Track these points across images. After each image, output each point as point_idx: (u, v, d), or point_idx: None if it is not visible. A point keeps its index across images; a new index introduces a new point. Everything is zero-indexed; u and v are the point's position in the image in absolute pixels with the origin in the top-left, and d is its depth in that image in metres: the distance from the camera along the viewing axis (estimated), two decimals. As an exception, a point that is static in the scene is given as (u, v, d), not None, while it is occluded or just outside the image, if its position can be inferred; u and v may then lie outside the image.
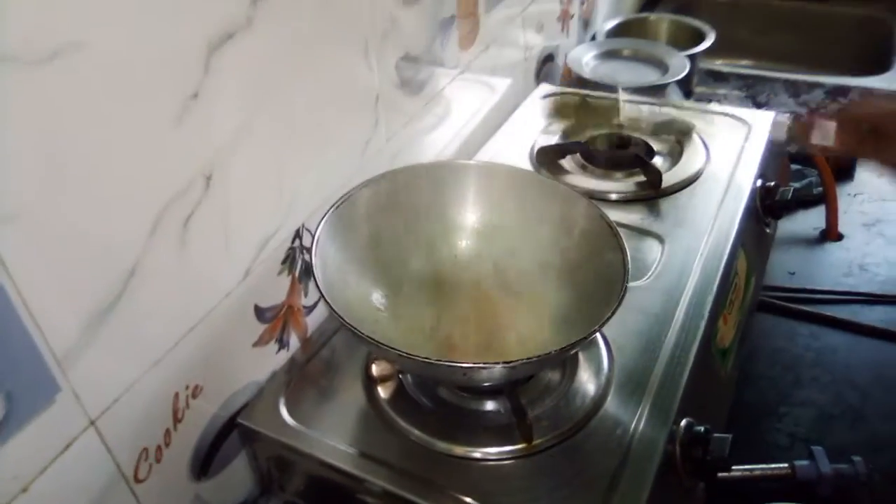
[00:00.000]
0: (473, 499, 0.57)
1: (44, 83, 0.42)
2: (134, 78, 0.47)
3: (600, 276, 0.63)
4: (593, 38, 1.42)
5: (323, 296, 0.57)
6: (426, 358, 0.53)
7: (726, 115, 1.02)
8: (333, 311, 0.55)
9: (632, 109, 1.04)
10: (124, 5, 0.45)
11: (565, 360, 0.67)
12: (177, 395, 0.58)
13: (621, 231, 0.64)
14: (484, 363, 0.53)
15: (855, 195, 1.11)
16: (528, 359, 0.53)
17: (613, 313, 0.56)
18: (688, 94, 1.28)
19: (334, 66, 0.68)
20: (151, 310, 0.53)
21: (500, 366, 0.53)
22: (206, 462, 0.63)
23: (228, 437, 0.65)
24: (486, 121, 1.02)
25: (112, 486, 0.54)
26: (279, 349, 0.69)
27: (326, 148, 0.70)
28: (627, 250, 0.61)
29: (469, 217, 0.71)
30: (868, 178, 1.15)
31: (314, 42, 0.64)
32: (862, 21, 1.67)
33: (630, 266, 0.60)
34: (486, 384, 0.63)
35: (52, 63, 0.42)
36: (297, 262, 0.69)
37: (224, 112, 0.55)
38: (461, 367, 0.53)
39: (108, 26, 0.45)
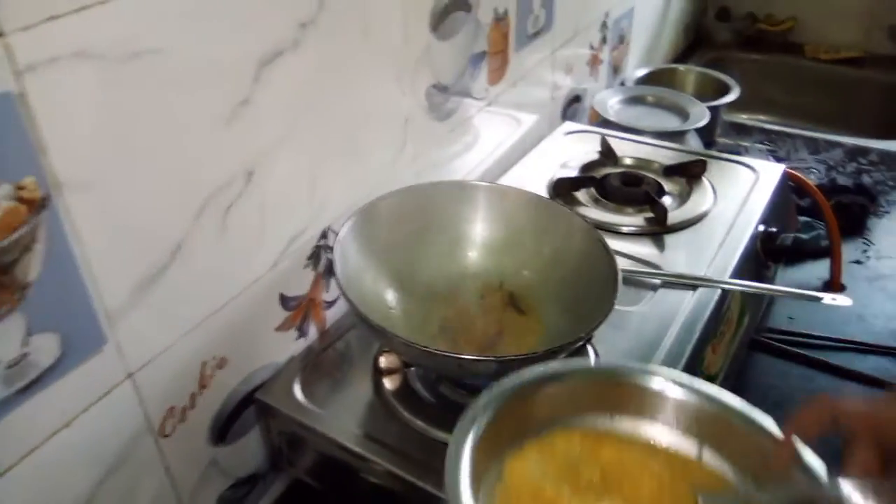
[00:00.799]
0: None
1: (123, 78, 0.50)
2: (195, 82, 0.56)
3: (593, 293, 0.69)
4: (622, 83, 1.50)
5: (340, 286, 0.64)
6: (426, 347, 0.60)
7: (739, 163, 1.07)
8: (348, 299, 0.62)
9: (649, 151, 1.10)
10: (193, 22, 0.54)
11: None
12: (204, 363, 0.65)
13: (626, 260, 0.69)
14: (478, 356, 0.59)
15: (864, 251, 1.15)
16: (516, 356, 0.59)
17: (599, 324, 0.62)
18: (709, 143, 1.34)
19: (369, 88, 0.76)
20: (190, 284, 0.61)
21: (492, 360, 0.59)
22: (224, 429, 0.70)
23: (245, 410, 0.72)
24: (510, 151, 1.10)
25: (140, 435, 0.61)
26: (298, 336, 0.76)
27: (357, 160, 0.77)
28: (619, 269, 0.67)
29: (479, 232, 0.78)
30: (880, 235, 1.18)
31: (352, 65, 0.72)
32: (889, 87, 1.72)
33: (621, 283, 0.66)
34: (482, 381, 0.69)
35: (132, 63, 0.50)
36: (321, 259, 0.76)
37: (268, 119, 0.63)
38: (458, 357, 0.59)
39: (178, 38, 0.53)
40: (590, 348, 0.74)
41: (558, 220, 0.75)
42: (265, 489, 0.78)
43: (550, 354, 0.62)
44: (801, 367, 0.95)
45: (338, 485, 0.74)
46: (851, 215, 1.19)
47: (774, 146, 1.45)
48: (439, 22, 0.82)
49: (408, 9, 0.76)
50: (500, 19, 0.95)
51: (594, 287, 0.69)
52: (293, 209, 0.70)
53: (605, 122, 1.23)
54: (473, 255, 0.77)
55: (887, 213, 1.24)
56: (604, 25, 1.32)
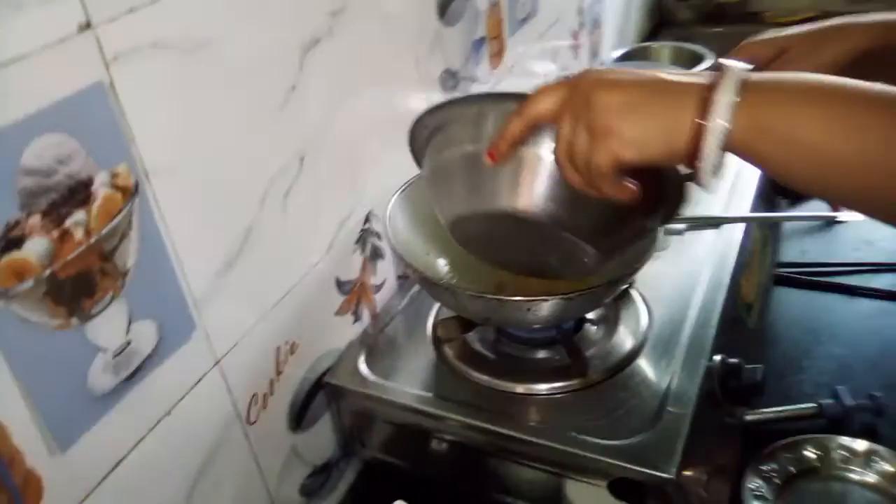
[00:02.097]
0: (540, 423, 0.66)
1: (192, 68, 0.53)
2: (251, 70, 0.58)
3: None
4: (601, 64, 1.55)
5: (402, 256, 0.66)
6: (497, 296, 0.63)
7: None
8: (412, 266, 0.65)
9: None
10: (242, 12, 0.57)
11: (608, 314, 0.76)
12: (278, 348, 0.67)
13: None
14: (545, 296, 0.62)
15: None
16: (582, 290, 0.63)
17: (648, 258, 0.65)
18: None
19: (393, 74, 0.79)
20: (261, 268, 0.63)
21: (559, 298, 0.62)
22: (300, 415, 0.72)
23: (316, 396, 0.74)
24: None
25: (230, 423, 0.63)
26: (354, 321, 0.79)
27: (387, 144, 0.80)
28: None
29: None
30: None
31: (377, 52, 0.75)
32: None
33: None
34: (542, 333, 0.72)
35: (198, 53, 0.53)
36: (367, 243, 0.79)
37: (314, 104, 0.66)
38: (526, 300, 0.62)
39: (232, 28, 0.56)
40: (634, 292, 0.78)
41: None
42: (340, 476, 0.80)
43: (611, 287, 0.65)
44: (822, 294, 1.00)
45: (411, 454, 0.76)
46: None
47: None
48: (445, 9, 0.86)
49: (418, -3, 0.80)
50: (494, 5, 0.99)
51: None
52: (340, 193, 0.73)
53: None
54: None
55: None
56: (580, 10, 1.37)
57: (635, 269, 0.65)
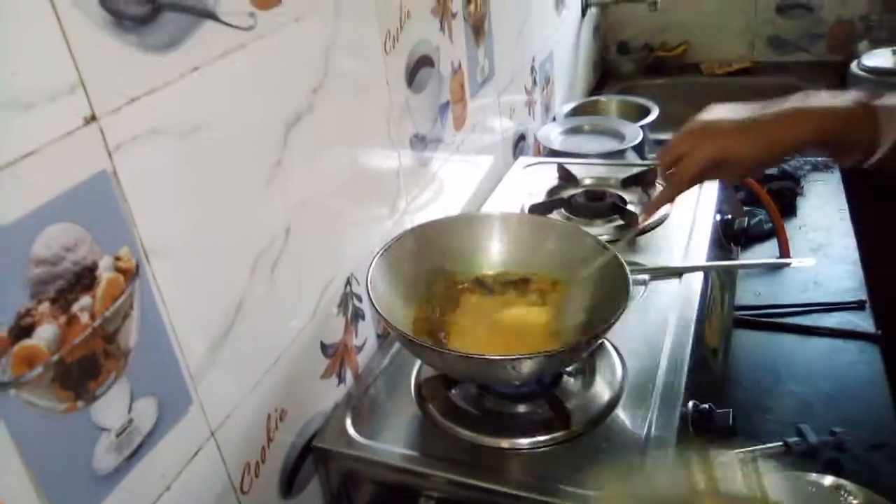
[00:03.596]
0: (528, 477, 0.68)
1: (187, 151, 0.55)
2: (239, 149, 0.61)
3: (606, 295, 0.76)
4: (554, 119, 1.62)
5: (385, 319, 0.68)
6: (482, 355, 0.65)
7: (681, 167, 1.19)
8: (397, 330, 0.67)
9: (601, 171, 1.21)
10: (234, 97, 0.60)
11: (584, 366, 0.79)
12: (269, 416, 0.68)
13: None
14: (528, 354, 0.65)
15: (800, 227, 1.28)
16: (563, 348, 0.66)
17: (623, 310, 0.69)
18: (644, 159, 1.46)
19: (367, 141, 0.82)
20: (252, 338, 0.65)
21: (541, 356, 0.65)
22: (290, 481, 0.72)
23: (305, 460, 0.75)
24: (479, 189, 1.18)
25: (225, 494, 0.63)
26: (339, 383, 0.80)
27: (365, 209, 0.83)
28: (629, 274, 0.74)
29: (495, 255, 0.84)
30: (809, 213, 1.32)
31: (353, 121, 0.78)
32: (783, 89, 1.91)
33: (631, 285, 0.73)
34: (524, 388, 0.75)
35: (192, 136, 0.55)
36: (349, 306, 0.81)
37: (297, 177, 0.69)
38: (510, 358, 0.65)
39: (224, 111, 0.58)
40: (606, 342, 0.81)
41: (564, 234, 0.83)
42: (328, 540, 0.80)
43: (590, 342, 0.68)
44: (776, 334, 1.05)
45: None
46: (783, 198, 1.32)
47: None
48: (413, 77, 0.90)
49: (388, 68, 0.84)
50: (456, 71, 1.04)
51: (608, 289, 0.76)
52: (323, 258, 0.75)
53: (553, 153, 1.34)
54: (492, 273, 0.84)
55: (809, 192, 1.39)
56: (532, 69, 1.44)
57: (612, 324, 0.68)
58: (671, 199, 0.82)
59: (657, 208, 0.82)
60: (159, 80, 0.52)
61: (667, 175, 0.80)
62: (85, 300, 0.47)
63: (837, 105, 0.72)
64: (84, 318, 0.48)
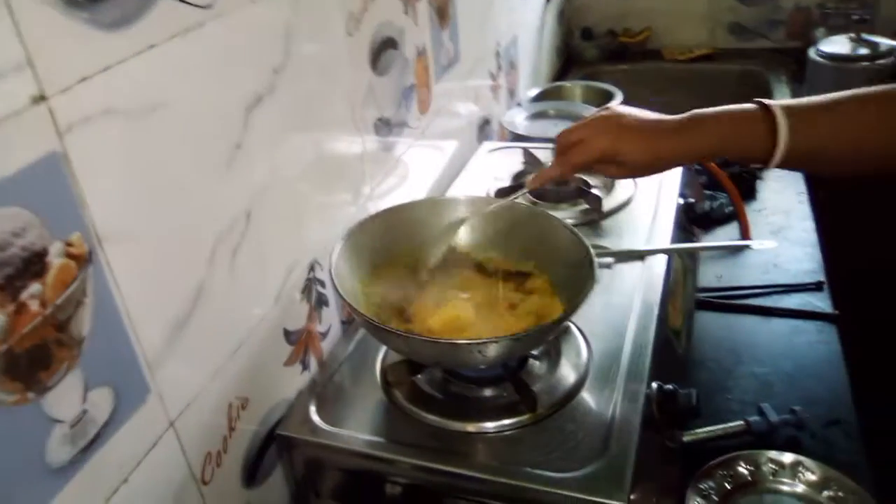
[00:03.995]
0: (493, 460, 0.68)
1: (143, 132, 0.53)
2: (199, 131, 0.59)
3: (571, 278, 0.76)
4: (518, 104, 1.61)
5: (350, 305, 0.68)
6: (448, 339, 0.65)
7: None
8: (361, 314, 0.66)
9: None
10: (191, 77, 0.58)
11: (549, 349, 0.79)
12: (230, 405, 0.67)
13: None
14: (495, 338, 0.65)
15: (760, 210, 1.30)
16: (529, 331, 0.66)
17: (589, 292, 0.69)
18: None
19: (331, 125, 0.81)
20: (212, 325, 0.63)
21: (507, 339, 0.65)
22: (253, 470, 0.71)
23: (268, 449, 0.73)
24: (444, 174, 1.17)
25: (186, 485, 0.62)
26: (303, 370, 0.79)
27: (329, 193, 0.82)
28: (594, 257, 0.74)
29: (459, 238, 0.84)
30: (768, 196, 1.35)
31: (316, 104, 0.77)
32: (742, 75, 1.95)
33: (597, 268, 0.73)
34: (490, 372, 0.75)
35: (148, 116, 0.53)
36: (312, 292, 0.80)
37: (259, 159, 0.67)
38: (476, 342, 0.65)
39: (180, 90, 0.57)
40: (572, 325, 0.81)
41: (531, 217, 0.82)
42: (294, 528, 0.79)
43: (556, 324, 0.68)
44: (737, 315, 1.07)
45: (366, 500, 0.76)
46: (744, 182, 1.34)
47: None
48: (376, 60, 0.89)
49: (351, 49, 0.83)
50: (421, 53, 1.03)
51: (573, 272, 0.76)
52: (285, 244, 0.74)
53: (517, 137, 1.34)
54: (455, 261, 0.83)
55: (768, 176, 1.41)
56: (497, 54, 1.43)
57: (577, 306, 0.68)
58: (557, 178, 0.82)
59: (541, 183, 0.82)
60: (113, 59, 0.50)
61: (559, 155, 0.81)
62: (35, 287, 0.46)
63: (733, 109, 0.74)
64: (34, 306, 0.46)
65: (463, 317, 0.76)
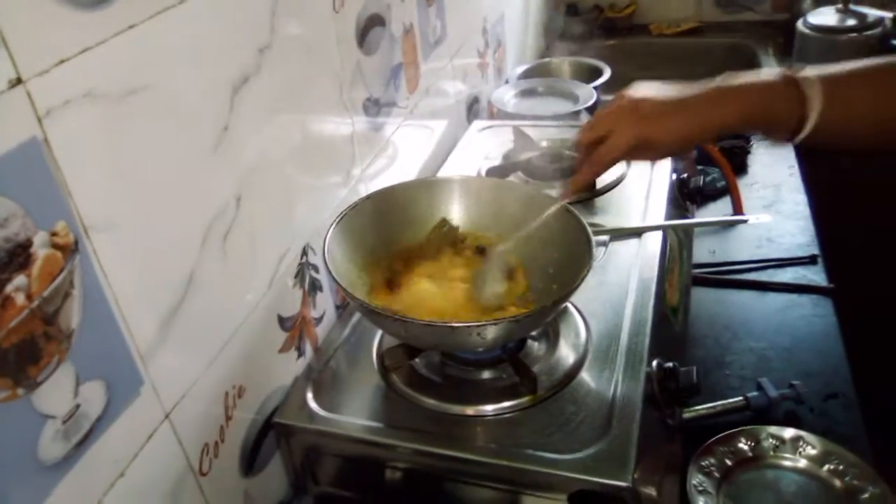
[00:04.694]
0: (494, 443, 0.67)
1: (125, 115, 0.51)
2: (184, 113, 0.57)
3: (569, 258, 0.75)
4: (506, 82, 1.59)
5: (345, 290, 0.66)
6: (446, 322, 0.64)
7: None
8: (356, 299, 0.65)
9: (555, 132, 1.19)
10: (174, 57, 0.56)
11: (548, 330, 0.78)
12: (226, 393, 0.66)
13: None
14: (494, 320, 0.63)
15: (752, 185, 1.30)
16: (527, 314, 0.65)
17: (588, 272, 0.68)
18: (597, 120, 1.45)
19: (320, 105, 0.79)
20: (205, 313, 0.61)
21: (506, 321, 0.64)
22: (251, 458, 0.70)
23: (266, 437, 0.72)
24: (434, 154, 1.15)
25: (184, 477, 0.61)
26: (298, 356, 0.77)
27: (319, 176, 0.80)
28: (592, 235, 0.73)
29: (455, 219, 0.82)
30: (759, 170, 1.34)
31: (304, 84, 0.75)
32: (730, 48, 1.93)
33: (594, 246, 0.72)
34: (488, 354, 0.74)
35: (130, 99, 0.51)
36: (306, 277, 0.78)
37: (247, 141, 0.65)
38: (475, 325, 0.63)
39: (164, 72, 0.55)
40: (569, 305, 0.80)
41: (525, 197, 0.81)
42: (292, 516, 0.79)
43: (555, 306, 0.67)
44: (732, 291, 1.06)
45: (365, 486, 0.76)
46: (735, 156, 1.33)
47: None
48: (364, 38, 0.87)
49: (338, 27, 0.80)
50: (408, 31, 1.00)
51: (570, 251, 0.75)
52: (277, 229, 0.72)
53: (506, 116, 1.32)
54: (450, 243, 0.82)
55: (759, 150, 1.40)
56: (484, 31, 1.41)
57: (575, 287, 0.67)
58: (592, 179, 0.79)
59: (579, 189, 0.79)
60: (91, 40, 0.48)
61: (585, 154, 0.77)
62: (20, 280, 0.44)
63: (761, 81, 0.72)
64: (20, 299, 0.44)
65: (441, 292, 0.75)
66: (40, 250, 0.45)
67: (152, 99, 0.53)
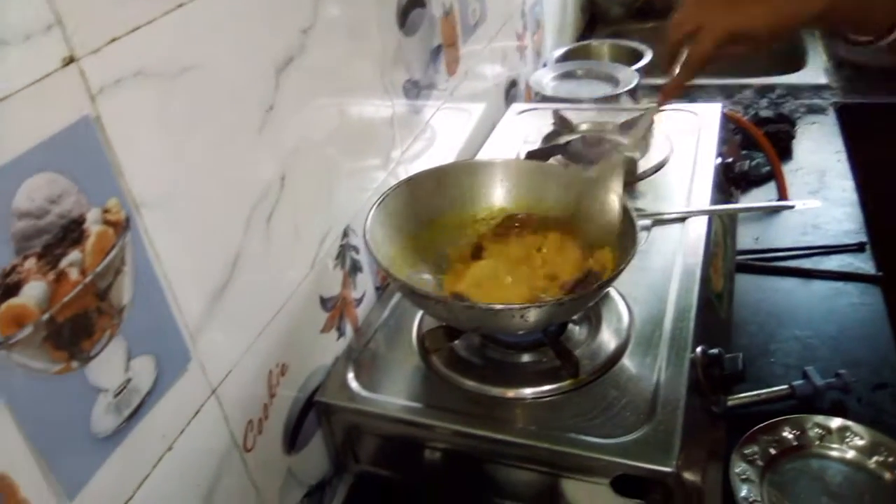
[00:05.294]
0: (534, 426, 0.66)
1: (175, 94, 0.51)
2: (231, 93, 0.57)
3: (611, 243, 0.74)
4: (544, 65, 1.58)
5: (388, 272, 0.66)
6: (489, 305, 0.64)
7: (679, 110, 1.16)
8: (401, 281, 0.65)
9: (595, 116, 1.18)
10: (219, 35, 0.56)
11: (590, 315, 0.77)
12: (270, 371, 0.66)
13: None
14: (537, 303, 0.63)
15: (796, 170, 1.27)
16: (572, 296, 0.64)
17: (632, 257, 0.67)
18: (637, 104, 1.43)
19: (361, 86, 0.79)
20: (250, 292, 0.62)
21: (550, 304, 0.63)
22: (293, 437, 0.71)
23: (307, 415, 0.73)
24: (473, 137, 1.14)
25: (229, 452, 0.62)
26: (339, 336, 0.78)
27: (360, 158, 0.80)
28: (636, 218, 0.72)
29: (497, 202, 0.82)
30: (804, 155, 1.31)
31: (346, 65, 0.75)
32: (775, 31, 1.88)
33: (639, 228, 0.71)
34: (529, 337, 0.73)
35: (180, 78, 0.52)
36: (346, 258, 0.78)
37: (291, 122, 0.65)
38: (519, 307, 0.63)
39: (210, 51, 0.55)
40: (612, 290, 0.79)
41: (568, 180, 0.80)
42: (332, 495, 0.79)
43: (599, 290, 0.67)
44: (777, 278, 1.04)
45: (405, 466, 0.76)
46: (779, 141, 1.30)
47: (692, 98, 1.56)
48: (405, 19, 0.86)
49: (379, 7, 0.80)
50: (448, 13, 1.00)
51: (611, 238, 0.74)
52: (318, 209, 0.72)
53: (545, 99, 1.31)
54: (492, 224, 0.81)
55: (803, 135, 1.37)
56: (523, 13, 1.39)
57: (619, 271, 0.66)
58: (687, 80, 0.73)
59: (675, 92, 0.74)
60: (142, 18, 0.48)
61: (677, 54, 0.72)
62: (74, 255, 0.44)
63: None
64: (74, 274, 0.45)
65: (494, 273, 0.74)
66: (93, 226, 0.46)
67: (200, 78, 0.54)
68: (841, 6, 0.67)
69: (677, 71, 0.73)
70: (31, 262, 0.42)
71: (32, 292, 0.42)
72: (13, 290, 0.41)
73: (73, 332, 0.45)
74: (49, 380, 0.44)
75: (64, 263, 0.44)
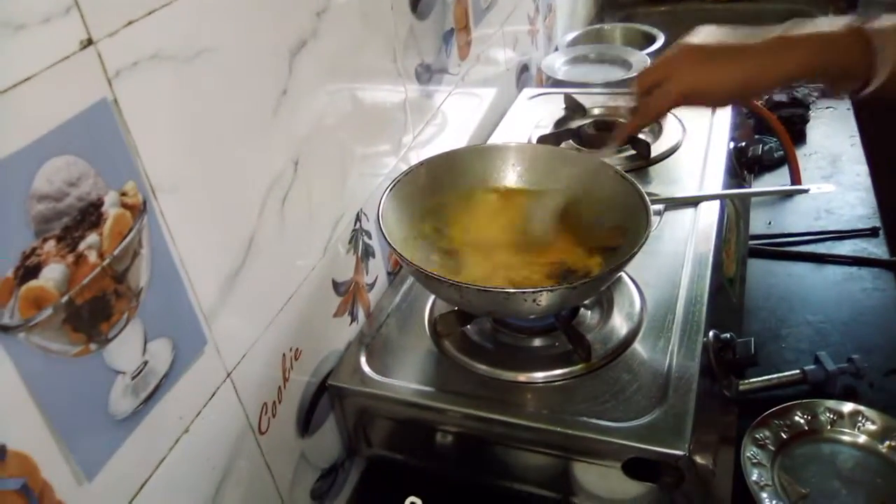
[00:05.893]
0: (546, 409, 0.67)
1: (190, 77, 0.51)
2: (246, 77, 0.57)
3: (624, 225, 0.74)
4: (556, 48, 1.57)
5: (401, 256, 0.66)
6: (502, 288, 0.64)
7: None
8: (412, 264, 0.65)
9: (607, 100, 1.17)
10: (234, 18, 0.56)
11: (601, 299, 0.78)
12: (284, 355, 0.67)
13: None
14: (549, 287, 0.63)
15: (810, 155, 1.26)
16: (585, 280, 0.64)
17: (645, 241, 0.67)
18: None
19: (373, 70, 0.79)
20: (264, 277, 0.62)
21: (562, 288, 0.63)
22: (307, 420, 0.71)
23: (320, 399, 0.73)
24: (484, 121, 1.14)
25: (243, 435, 0.62)
26: (351, 321, 0.78)
27: (372, 143, 0.80)
28: (648, 200, 0.71)
29: (508, 185, 0.82)
30: (818, 140, 1.30)
31: (359, 49, 0.75)
32: (787, 15, 1.86)
33: (651, 211, 0.71)
34: (540, 322, 0.73)
35: (196, 61, 0.52)
36: (359, 243, 0.79)
37: (304, 106, 0.65)
38: (531, 291, 0.63)
39: (226, 35, 0.55)
40: (624, 275, 0.79)
41: (580, 164, 0.80)
42: (345, 478, 0.80)
43: (612, 273, 0.67)
44: (790, 263, 1.04)
45: (417, 449, 0.77)
46: (793, 125, 1.29)
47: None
48: (417, 2, 0.86)
49: (392, -9, 0.80)
50: (460, -4, 0.99)
51: (627, 219, 0.74)
52: (332, 194, 0.73)
53: (557, 83, 1.30)
54: (504, 208, 0.81)
55: (817, 119, 1.35)
56: (534, -4, 1.39)
57: (631, 256, 0.66)
58: (641, 127, 0.78)
59: (629, 134, 0.80)
60: (157, 2, 0.48)
61: (640, 99, 0.76)
62: (92, 238, 0.45)
63: (827, 31, 0.68)
64: (92, 256, 0.45)
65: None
66: (111, 209, 0.46)
67: (215, 62, 0.54)
68: (811, 72, 0.70)
69: (634, 114, 0.78)
70: (50, 245, 0.42)
71: (52, 275, 0.42)
72: (33, 272, 0.41)
73: (92, 315, 0.45)
74: (68, 362, 0.44)
75: (82, 246, 0.44)
